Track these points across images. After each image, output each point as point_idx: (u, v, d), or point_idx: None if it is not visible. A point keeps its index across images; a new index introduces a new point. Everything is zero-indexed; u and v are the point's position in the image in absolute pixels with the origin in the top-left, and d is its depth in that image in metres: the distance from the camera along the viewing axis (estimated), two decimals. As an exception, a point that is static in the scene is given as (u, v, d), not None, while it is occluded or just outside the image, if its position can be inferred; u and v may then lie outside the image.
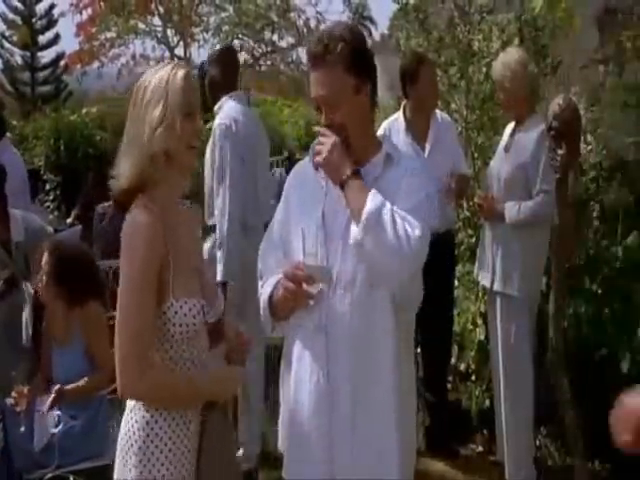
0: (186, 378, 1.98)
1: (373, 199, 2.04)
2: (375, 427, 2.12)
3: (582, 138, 4.02)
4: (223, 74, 4.01)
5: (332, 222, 2.13)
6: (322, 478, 2.14)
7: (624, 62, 4.72)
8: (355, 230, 2.06)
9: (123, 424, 2.01)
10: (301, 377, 2.17)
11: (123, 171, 1.96)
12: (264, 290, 2.25)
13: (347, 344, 2.10)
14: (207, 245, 3.80)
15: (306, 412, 2.16)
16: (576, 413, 3.37)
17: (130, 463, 1.96)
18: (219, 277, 3.71)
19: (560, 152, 3.29)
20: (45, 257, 3.41)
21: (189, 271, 1.99)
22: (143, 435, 1.94)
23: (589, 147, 4.54)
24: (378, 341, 2.11)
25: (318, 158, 2.13)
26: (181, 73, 1.96)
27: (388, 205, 2.04)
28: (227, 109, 3.90)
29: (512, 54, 3.66)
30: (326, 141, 2.12)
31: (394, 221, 2.02)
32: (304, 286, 2.08)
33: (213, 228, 3.84)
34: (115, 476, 2.01)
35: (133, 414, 1.98)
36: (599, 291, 3.70)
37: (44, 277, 3.41)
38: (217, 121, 3.87)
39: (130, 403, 2.01)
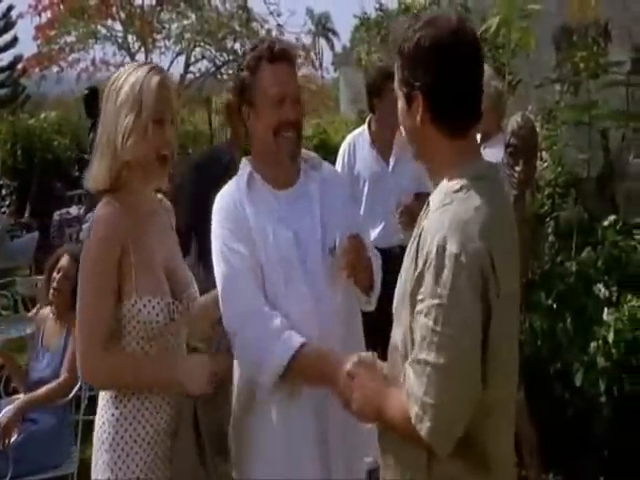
0: (143, 368, 1.98)
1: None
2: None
3: (538, 155, 4.11)
4: None
5: (306, 243, 2.14)
6: None
7: (579, 82, 4.83)
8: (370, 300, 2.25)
9: (96, 422, 2.03)
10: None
11: (97, 174, 1.99)
12: (280, 345, 2.00)
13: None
14: None
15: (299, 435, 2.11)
16: (530, 425, 3.43)
17: (102, 460, 1.97)
18: None
19: (517, 169, 3.36)
20: (67, 265, 3.52)
21: (155, 270, 2.00)
22: (113, 432, 1.96)
23: (545, 164, 4.64)
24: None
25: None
26: (156, 79, 1.96)
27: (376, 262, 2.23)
28: None
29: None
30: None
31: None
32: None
33: None
34: (92, 475, 2.03)
35: (104, 412, 2.00)
36: (554, 306, 3.77)
37: (66, 286, 3.51)
38: None
39: (101, 402, 2.02)
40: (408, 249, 1.65)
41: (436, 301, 1.49)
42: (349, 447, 2.14)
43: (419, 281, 1.53)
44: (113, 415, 1.97)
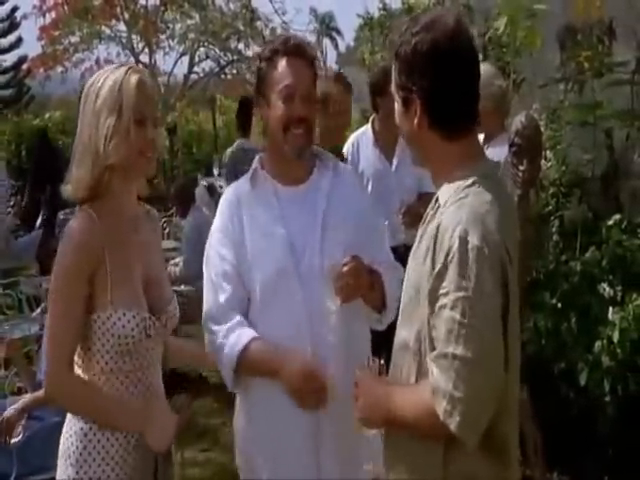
0: (108, 406, 1.93)
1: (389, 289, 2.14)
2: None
3: (542, 155, 4.11)
4: None
5: (302, 243, 2.12)
6: None
7: (583, 81, 4.83)
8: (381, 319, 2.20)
9: (62, 435, 1.98)
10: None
11: (77, 180, 1.91)
12: (231, 342, 2.08)
13: (335, 360, 2.09)
14: None
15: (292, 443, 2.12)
16: (535, 425, 3.43)
17: (66, 475, 1.93)
18: None
19: (522, 168, 3.36)
20: None
21: (133, 282, 1.94)
22: (80, 447, 1.92)
23: (549, 163, 4.64)
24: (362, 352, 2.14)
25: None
26: (134, 78, 1.88)
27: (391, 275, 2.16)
28: None
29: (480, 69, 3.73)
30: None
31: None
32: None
33: None
34: None
35: (72, 424, 1.95)
36: (558, 305, 3.76)
37: None
38: None
39: (70, 414, 1.98)
40: (415, 248, 1.65)
41: (462, 294, 1.49)
42: (342, 449, 2.13)
43: (440, 276, 1.53)
44: (82, 429, 1.92)
